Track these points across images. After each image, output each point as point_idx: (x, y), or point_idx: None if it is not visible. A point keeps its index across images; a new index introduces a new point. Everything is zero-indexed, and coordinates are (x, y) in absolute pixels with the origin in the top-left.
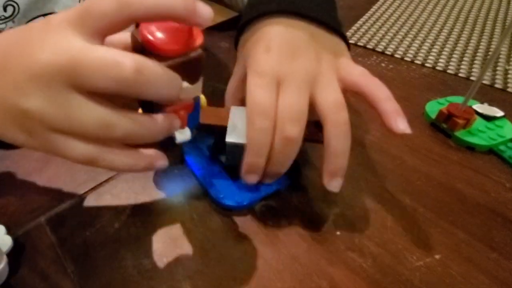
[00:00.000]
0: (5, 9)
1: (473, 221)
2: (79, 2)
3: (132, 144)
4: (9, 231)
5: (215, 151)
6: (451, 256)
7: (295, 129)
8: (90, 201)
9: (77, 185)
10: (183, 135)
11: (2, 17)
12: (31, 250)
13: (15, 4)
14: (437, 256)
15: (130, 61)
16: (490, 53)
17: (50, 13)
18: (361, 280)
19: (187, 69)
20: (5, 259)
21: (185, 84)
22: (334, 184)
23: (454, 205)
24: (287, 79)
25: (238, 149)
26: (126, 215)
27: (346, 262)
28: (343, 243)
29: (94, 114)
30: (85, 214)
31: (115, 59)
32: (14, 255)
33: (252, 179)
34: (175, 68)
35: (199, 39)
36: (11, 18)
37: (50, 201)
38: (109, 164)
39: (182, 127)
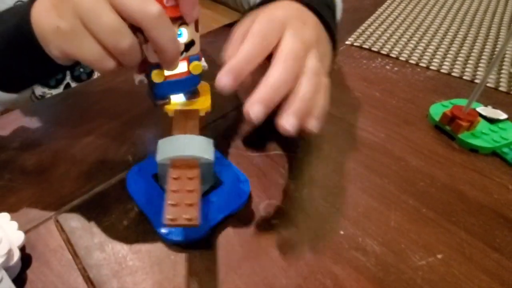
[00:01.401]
0: None
1: (475, 222)
2: None
3: (127, 64)
4: (21, 227)
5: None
6: (454, 255)
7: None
8: (99, 199)
9: (86, 183)
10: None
11: None
12: (42, 245)
13: None
14: (439, 256)
15: (158, 7)
16: (495, 56)
17: None
18: (364, 279)
19: None
20: (18, 254)
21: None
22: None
23: (456, 206)
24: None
25: (205, 168)
26: (135, 212)
27: (349, 260)
28: (347, 242)
29: (113, 18)
30: (95, 211)
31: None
32: (26, 250)
33: (260, 110)
34: None
35: None
36: None
37: (60, 199)
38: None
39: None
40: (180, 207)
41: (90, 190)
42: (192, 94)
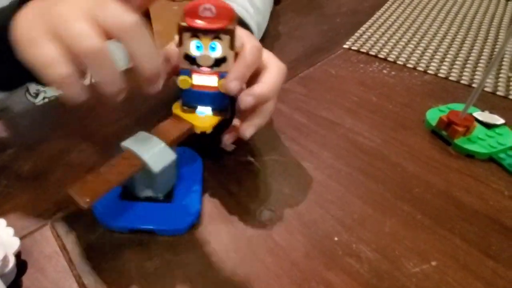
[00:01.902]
0: None
1: (470, 229)
2: None
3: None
4: (16, 233)
5: (136, 188)
6: (448, 263)
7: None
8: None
9: None
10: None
11: None
12: (37, 252)
13: None
14: (433, 263)
15: (134, 18)
16: (491, 60)
17: None
18: (358, 285)
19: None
20: (13, 260)
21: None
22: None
23: (452, 212)
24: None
25: (166, 171)
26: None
27: (343, 267)
28: (341, 248)
29: (84, 25)
30: (90, 218)
31: (127, 11)
32: (21, 256)
33: (237, 86)
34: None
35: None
36: None
37: (56, 205)
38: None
39: None
40: (89, 185)
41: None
42: (220, 111)
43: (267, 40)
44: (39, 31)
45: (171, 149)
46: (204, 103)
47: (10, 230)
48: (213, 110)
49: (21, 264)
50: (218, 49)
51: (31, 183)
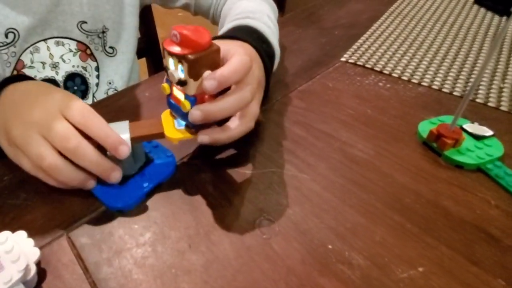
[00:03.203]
0: (6, 36)
1: (456, 237)
2: (76, 26)
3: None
4: (36, 244)
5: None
6: (434, 269)
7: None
8: (107, 216)
9: (95, 201)
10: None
11: (5, 43)
12: (55, 261)
13: (15, 31)
14: (420, 269)
15: (75, 139)
16: (476, 72)
17: (50, 38)
18: (352, 286)
19: (212, 59)
20: (34, 269)
21: (207, 72)
22: (209, 83)
23: (439, 221)
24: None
25: (128, 158)
26: (139, 230)
27: (336, 274)
28: (334, 256)
29: (64, 125)
30: (103, 228)
31: (70, 132)
32: (41, 265)
33: (212, 86)
34: (208, 57)
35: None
36: (12, 43)
37: (72, 217)
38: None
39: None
40: None
41: (98, 209)
42: (190, 128)
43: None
44: (25, 133)
45: (131, 143)
46: (178, 115)
47: (31, 241)
48: (185, 125)
49: (41, 272)
50: (182, 72)
51: (48, 196)
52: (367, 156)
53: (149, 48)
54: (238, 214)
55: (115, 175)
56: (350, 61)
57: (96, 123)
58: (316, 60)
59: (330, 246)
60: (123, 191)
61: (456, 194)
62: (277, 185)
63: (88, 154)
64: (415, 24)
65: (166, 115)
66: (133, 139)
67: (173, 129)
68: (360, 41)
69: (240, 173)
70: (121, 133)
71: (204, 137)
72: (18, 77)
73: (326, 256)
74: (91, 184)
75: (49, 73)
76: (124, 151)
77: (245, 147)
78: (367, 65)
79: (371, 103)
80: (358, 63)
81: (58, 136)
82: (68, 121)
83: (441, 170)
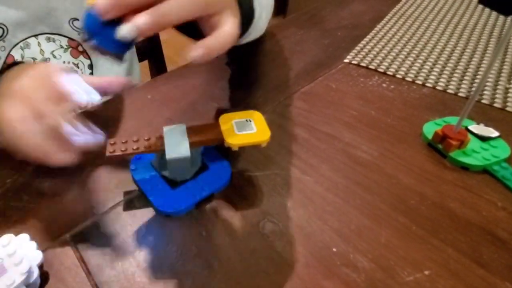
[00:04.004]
0: None
1: (463, 239)
2: (68, 22)
3: None
4: (39, 246)
5: (158, 167)
6: (440, 271)
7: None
8: (109, 220)
9: (97, 204)
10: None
11: None
12: (58, 263)
13: (3, 26)
14: (426, 272)
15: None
16: (492, 73)
17: (41, 34)
18: None
19: None
20: (37, 272)
21: None
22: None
23: (445, 223)
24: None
25: (179, 163)
26: (142, 233)
27: (340, 277)
28: (339, 259)
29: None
30: (106, 231)
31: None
32: (44, 267)
33: (200, 57)
34: None
35: None
36: (1, 38)
37: (74, 220)
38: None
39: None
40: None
41: (100, 212)
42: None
43: (269, 55)
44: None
45: (190, 148)
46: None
47: (33, 244)
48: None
49: (44, 275)
50: None
51: (51, 199)
52: (371, 157)
53: (151, 51)
54: (242, 217)
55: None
56: (353, 62)
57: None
58: (319, 61)
59: (334, 249)
60: (176, 196)
61: (462, 196)
62: (280, 188)
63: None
64: (418, 24)
65: (224, 119)
66: (192, 144)
67: (233, 134)
68: (364, 42)
69: (244, 176)
70: (179, 137)
71: (199, 50)
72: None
73: (330, 259)
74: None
75: None
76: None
77: (248, 149)
78: (370, 66)
79: (374, 104)
80: (362, 64)
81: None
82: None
83: (446, 172)
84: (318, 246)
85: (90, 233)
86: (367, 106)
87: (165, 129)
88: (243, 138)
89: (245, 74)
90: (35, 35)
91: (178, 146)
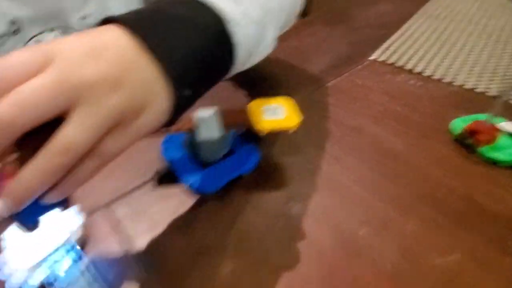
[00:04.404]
0: (9, 26)
1: (490, 230)
2: (80, 19)
3: None
4: (82, 212)
5: (190, 149)
6: (466, 260)
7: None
8: (142, 194)
9: (130, 179)
10: None
11: (8, 33)
12: (96, 231)
13: (18, 21)
14: (452, 260)
15: None
16: None
17: (54, 29)
18: (381, 276)
19: None
20: (78, 235)
21: None
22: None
23: (472, 215)
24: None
25: (210, 144)
26: (174, 204)
27: (367, 260)
28: (365, 244)
29: None
30: (138, 205)
31: None
32: (84, 234)
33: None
34: None
35: None
36: (16, 33)
37: (114, 190)
38: None
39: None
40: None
41: (132, 187)
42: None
43: (295, 50)
44: None
45: (222, 130)
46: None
47: (75, 211)
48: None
49: (84, 240)
50: None
51: None
52: (397, 151)
53: None
54: (270, 198)
55: None
56: (379, 59)
57: None
58: (344, 58)
59: (361, 234)
60: (206, 176)
61: (490, 190)
62: (307, 175)
63: None
64: (446, 25)
65: (253, 105)
66: (223, 127)
67: (263, 119)
68: (390, 41)
69: (271, 161)
70: (211, 119)
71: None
72: None
73: (356, 245)
74: None
75: None
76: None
77: (276, 136)
78: (397, 64)
79: (401, 100)
80: (388, 62)
81: None
82: None
83: (474, 166)
84: (344, 231)
85: (128, 203)
86: (393, 102)
87: (198, 111)
88: (272, 124)
89: (271, 68)
90: (49, 30)
91: (210, 127)
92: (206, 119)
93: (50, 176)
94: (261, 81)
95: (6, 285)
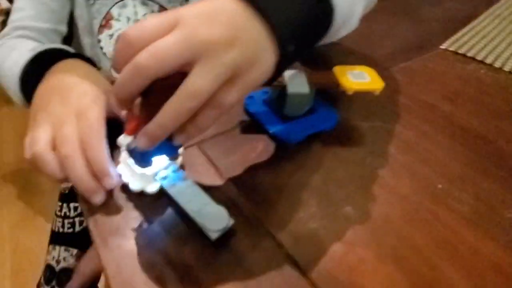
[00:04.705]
0: None
1: None
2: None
3: None
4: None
5: (276, 104)
6: None
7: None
8: (232, 136)
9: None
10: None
11: None
12: (191, 162)
13: None
14: None
15: (69, 148)
16: None
17: None
18: (460, 219)
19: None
20: (180, 160)
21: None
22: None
23: None
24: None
25: (298, 98)
26: (260, 149)
27: (447, 205)
28: (444, 193)
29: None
30: (226, 144)
31: (68, 139)
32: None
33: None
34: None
35: None
36: None
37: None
38: None
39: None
40: None
41: (218, 132)
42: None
43: (361, 34)
44: (41, 119)
45: (310, 86)
46: (159, 154)
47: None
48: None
49: (183, 167)
50: None
51: None
52: (473, 126)
53: None
54: (348, 152)
55: (96, 198)
56: (450, 49)
57: (94, 145)
58: (413, 45)
59: (440, 186)
60: (289, 127)
61: None
62: (384, 137)
63: (75, 168)
64: None
65: (338, 69)
66: (310, 83)
67: (348, 80)
68: (460, 33)
69: (349, 123)
70: (299, 77)
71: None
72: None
73: (436, 192)
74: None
75: None
76: (108, 183)
77: (354, 102)
78: (468, 54)
79: (474, 85)
80: (459, 51)
81: (59, 137)
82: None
83: None
84: (423, 182)
85: (214, 144)
86: (466, 86)
87: (289, 70)
88: (359, 85)
89: (338, 46)
90: None
91: (298, 83)
92: (297, 75)
93: (181, 117)
94: (331, 58)
95: (130, 186)
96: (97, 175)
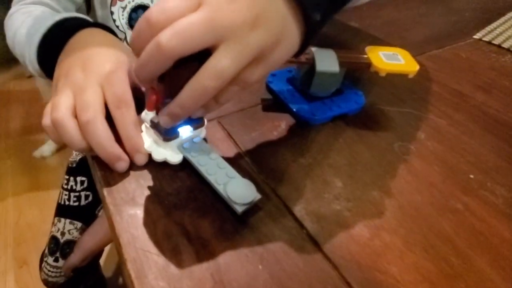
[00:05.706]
0: None
1: None
2: None
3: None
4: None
5: (303, 82)
6: None
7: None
8: (250, 114)
9: (237, 101)
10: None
11: None
12: (212, 136)
13: None
14: None
15: (90, 113)
16: None
17: None
18: (492, 212)
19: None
20: (204, 132)
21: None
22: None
23: None
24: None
25: (326, 77)
26: (281, 128)
27: (479, 196)
28: (476, 184)
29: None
30: (246, 120)
31: (90, 105)
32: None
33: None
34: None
35: None
36: None
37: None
38: None
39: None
40: None
41: (240, 108)
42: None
43: (392, 20)
44: (62, 86)
45: (339, 66)
46: (185, 124)
47: None
48: (193, 125)
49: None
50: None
51: None
52: (506, 117)
53: None
54: (376, 137)
55: (120, 165)
56: (484, 39)
57: (125, 118)
58: (445, 33)
59: (472, 176)
60: (313, 107)
61: None
62: (413, 123)
63: (97, 134)
64: None
65: (371, 49)
66: (340, 62)
67: (381, 61)
68: (495, 23)
69: (376, 108)
70: (328, 55)
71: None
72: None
73: (467, 182)
74: (120, 164)
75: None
76: (140, 159)
77: (382, 87)
78: (503, 45)
79: (508, 76)
80: (493, 42)
81: (80, 103)
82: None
83: None
84: (454, 171)
85: (234, 119)
86: (500, 77)
87: (314, 48)
88: (393, 66)
89: (368, 30)
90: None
91: (328, 61)
92: (327, 53)
93: (204, 97)
94: (358, 44)
95: (153, 155)
96: (129, 151)
